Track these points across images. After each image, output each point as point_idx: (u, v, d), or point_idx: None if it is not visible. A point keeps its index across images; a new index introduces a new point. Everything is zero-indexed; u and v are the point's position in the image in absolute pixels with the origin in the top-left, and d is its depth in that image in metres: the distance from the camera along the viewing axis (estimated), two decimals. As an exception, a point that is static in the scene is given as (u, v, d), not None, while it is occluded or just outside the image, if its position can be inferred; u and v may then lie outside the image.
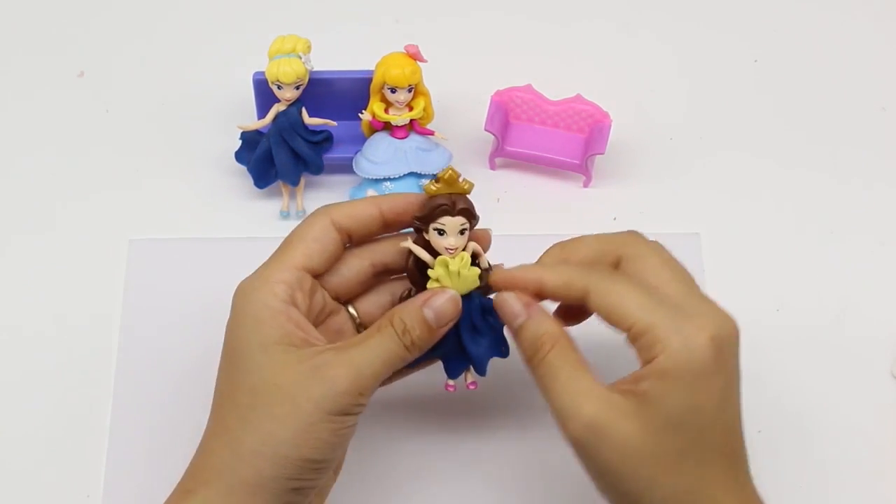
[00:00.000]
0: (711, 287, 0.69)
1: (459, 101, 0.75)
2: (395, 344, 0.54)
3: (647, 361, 0.51)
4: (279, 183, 0.72)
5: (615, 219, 0.73)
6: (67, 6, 0.82)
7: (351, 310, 0.59)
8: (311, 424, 0.52)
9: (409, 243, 0.56)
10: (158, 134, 0.76)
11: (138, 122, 0.77)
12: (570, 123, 0.74)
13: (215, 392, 0.55)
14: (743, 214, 0.73)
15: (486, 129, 0.72)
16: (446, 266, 0.55)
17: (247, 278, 0.56)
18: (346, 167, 0.71)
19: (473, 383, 0.59)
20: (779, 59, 0.80)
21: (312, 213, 0.57)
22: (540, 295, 0.55)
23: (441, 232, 0.55)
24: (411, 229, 0.58)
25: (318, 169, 0.72)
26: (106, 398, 0.66)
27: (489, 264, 0.57)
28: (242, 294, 0.55)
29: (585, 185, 0.74)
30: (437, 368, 0.58)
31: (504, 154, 0.74)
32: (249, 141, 0.72)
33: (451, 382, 0.59)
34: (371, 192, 0.69)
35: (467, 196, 0.56)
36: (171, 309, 0.69)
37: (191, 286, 0.70)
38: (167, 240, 0.72)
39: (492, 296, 0.57)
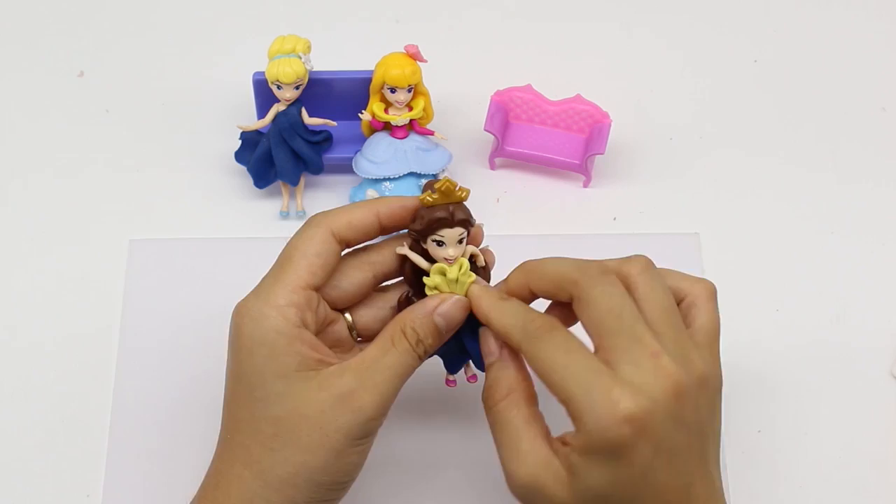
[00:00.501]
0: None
1: (459, 101, 0.75)
2: (410, 356, 0.54)
3: (574, 427, 0.50)
4: (279, 183, 0.72)
5: (615, 219, 0.73)
6: (67, 6, 0.82)
7: (347, 316, 0.58)
8: (340, 452, 0.52)
9: (405, 249, 0.56)
10: (158, 134, 0.76)
11: (138, 122, 0.77)
12: (570, 123, 0.74)
13: (230, 417, 0.54)
14: (743, 214, 0.73)
15: (486, 129, 0.72)
16: (443, 273, 0.55)
17: (249, 299, 0.54)
18: (346, 167, 0.71)
19: (473, 377, 0.59)
20: (779, 59, 0.80)
21: (310, 224, 0.56)
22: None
23: (440, 243, 0.55)
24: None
25: (318, 169, 0.72)
26: (106, 398, 0.66)
27: (485, 262, 0.57)
28: (250, 319, 0.53)
29: (585, 185, 0.74)
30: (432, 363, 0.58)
31: (504, 154, 0.74)
32: (249, 141, 0.72)
33: (451, 378, 0.59)
34: (371, 192, 0.69)
35: (464, 204, 0.55)
36: (172, 309, 0.69)
37: (191, 286, 0.70)
38: (167, 240, 0.72)
39: None
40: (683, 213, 0.73)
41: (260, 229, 0.72)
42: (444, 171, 0.71)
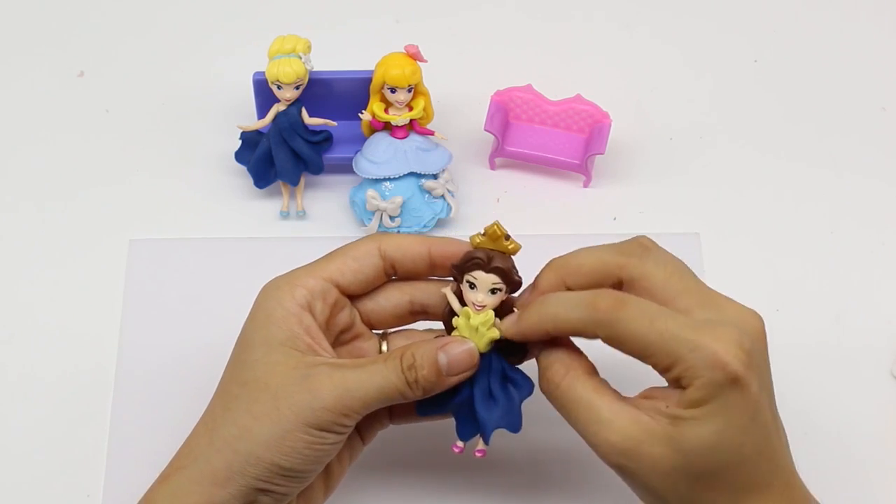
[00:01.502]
0: (711, 287, 0.69)
1: (459, 101, 0.75)
2: (396, 376, 0.52)
3: (671, 385, 0.50)
4: (279, 183, 0.72)
5: (615, 219, 0.73)
6: (67, 6, 0.82)
7: (384, 345, 0.58)
8: (286, 431, 0.51)
9: (446, 289, 0.56)
10: (158, 134, 0.76)
11: (138, 122, 0.77)
12: (570, 123, 0.74)
13: (224, 373, 0.55)
14: (743, 214, 0.73)
15: (486, 129, 0.72)
16: (468, 318, 0.54)
17: (276, 278, 0.56)
18: (346, 167, 0.71)
19: (482, 451, 0.55)
20: (779, 59, 0.80)
21: (364, 238, 0.57)
22: (551, 336, 0.53)
23: (472, 285, 0.54)
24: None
25: (318, 169, 0.72)
26: (106, 398, 0.66)
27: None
28: (264, 291, 0.55)
29: (585, 185, 0.74)
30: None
31: (504, 154, 0.74)
32: (249, 141, 0.72)
33: (459, 444, 0.55)
34: (371, 192, 0.69)
35: (510, 257, 0.54)
36: (171, 309, 0.69)
37: (191, 286, 0.70)
38: (167, 240, 0.72)
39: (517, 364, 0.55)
40: (684, 213, 0.73)
41: (260, 229, 0.72)
42: (443, 170, 0.71)
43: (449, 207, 0.71)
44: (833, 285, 0.70)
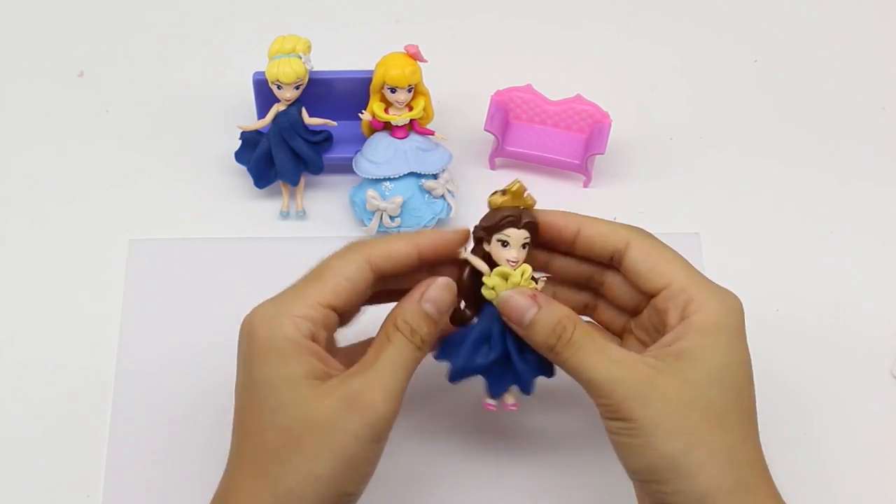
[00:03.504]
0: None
1: (459, 101, 0.75)
2: (409, 349, 0.53)
3: (679, 320, 0.53)
4: (279, 183, 0.72)
5: (615, 219, 0.72)
6: (67, 6, 0.82)
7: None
8: (351, 458, 0.51)
9: (467, 254, 0.56)
10: (158, 134, 0.76)
11: (138, 122, 0.77)
12: (570, 123, 0.74)
13: (240, 428, 0.53)
14: (743, 214, 0.73)
15: (486, 129, 0.72)
16: (505, 277, 0.55)
17: (265, 306, 0.54)
18: (346, 167, 0.71)
19: (514, 405, 0.57)
20: (779, 59, 0.80)
21: (349, 248, 0.55)
22: (568, 242, 0.57)
23: (505, 243, 0.55)
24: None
25: (318, 169, 0.72)
26: (106, 398, 0.66)
27: (546, 281, 0.57)
28: (265, 323, 0.52)
29: (585, 185, 0.74)
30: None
31: (504, 154, 0.74)
32: (249, 141, 0.72)
33: (490, 402, 0.57)
34: (371, 192, 0.69)
35: (530, 211, 0.56)
36: (171, 309, 0.69)
37: (191, 286, 0.70)
38: (167, 240, 0.72)
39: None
40: (683, 213, 0.73)
41: (260, 229, 0.72)
42: (443, 170, 0.71)
43: (449, 207, 0.71)
44: (833, 285, 0.70)
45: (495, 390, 0.57)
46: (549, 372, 0.57)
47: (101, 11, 0.82)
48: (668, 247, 0.56)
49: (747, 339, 0.54)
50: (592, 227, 0.57)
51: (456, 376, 0.56)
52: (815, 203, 0.74)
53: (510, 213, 0.55)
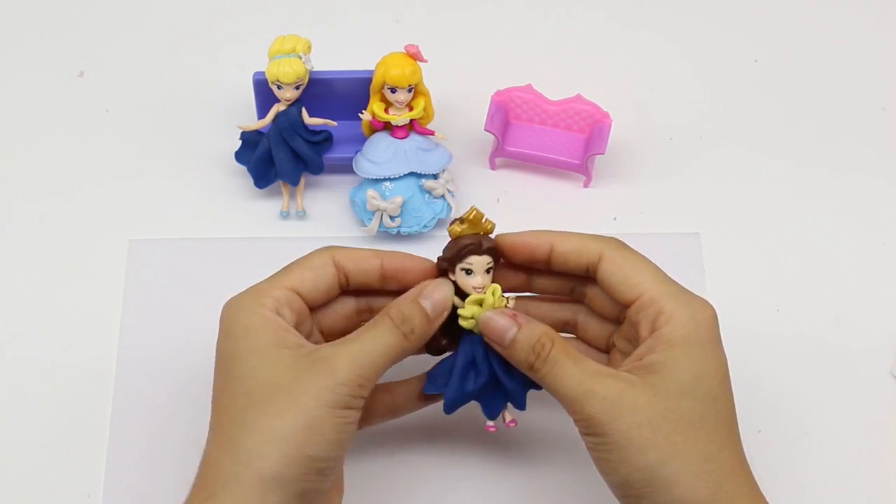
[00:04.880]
0: (711, 287, 0.69)
1: (459, 101, 0.75)
2: (394, 334, 0.54)
3: (650, 333, 0.53)
4: (279, 183, 0.72)
5: (615, 219, 0.73)
6: (67, 6, 0.82)
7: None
8: (312, 419, 0.51)
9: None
10: (158, 134, 0.76)
11: (138, 122, 0.77)
12: (570, 123, 0.74)
13: (212, 404, 0.54)
14: (743, 214, 0.73)
15: (486, 129, 0.72)
16: (479, 303, 0.56)
17: (237, 295, 0.56)
18: (346, 167, 0.71)
19: (513, 421, 0.59)
20: (779, 59, 0.80)
21: (317, 249, 0.58)
22: (543, 261, 0.57)
23: (469, 272, 0.56)
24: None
25: (318, 169, 0.72)
26: (106, 398, 0.66)
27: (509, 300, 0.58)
28: (230, 307, 0.55)
29: (585, 185, 0.74)
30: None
31: (504, 154, 0.74)
32: (249, 141, 0.72)
33: (490, 424, 0.58)
34: (371, 192, 0.69)
35: (489, 236, 0.57)
36: (171, 309, 0.69)
37: (191, 286, 0.70)
38: (167, 240, 0.72)
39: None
40: (684, 213, 0.73)
41: (260, 229, 0.72)
42: (444, 170, 0.71)
43: (449, 207, 0.71)
44: (833, 285, 0.70)
45: (491, 412, 0.58)
46: (538, 385, 0.57)
47: (101, 11, 0.82)
48: (641, 257, 0.56)
49: (723, 346, 0.54)
50: (564, 243, 0.57)
51: (450, 407, 0.58)
52: (816, 203, 0.74)
53: (470, 241, 0.56)
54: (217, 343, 0.55)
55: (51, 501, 0.64)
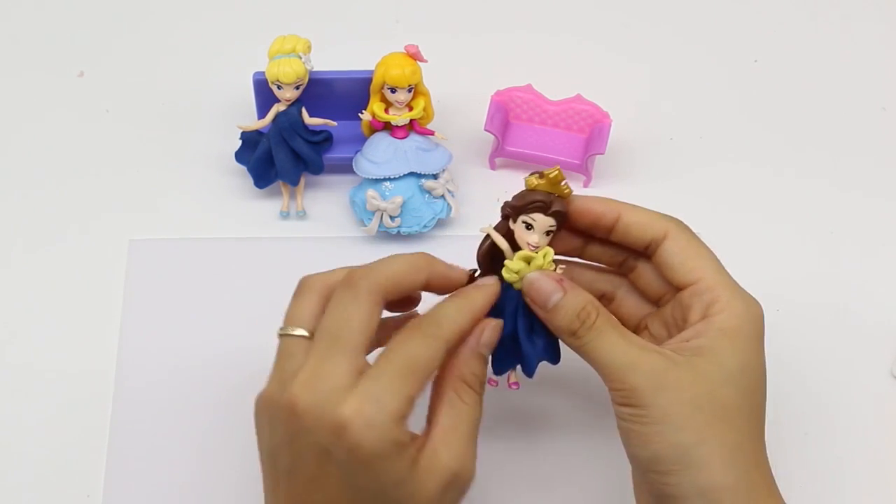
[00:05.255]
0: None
1: (459, 101, 0.75)
2: (479, 401, 0.53)
3: (701, 317, 0.54)
4: (279, 183, 0.72)
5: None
6: (67, 6, 0.82)
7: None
8: None
9: (489, 229, 0.56)
10: (158, 134, 0.76)
11: (138, 122, 0.77)
12: (570, 123, 0.74)
13: None
14: (743, 215, 0.73)
15: (486, 129, 0.72)
16: (528, 260, 0.55)
17: (365, 405, 0.48)
18: (346, 167, 0.71)
19: (516, 383, 0.58)
20: (779, 59, 0.80)
21: (356, 291, 0.51)
22: (606, 229, 0.57)
23: (529, 226, 0.55)
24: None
25: (318, 169, 0.72)
26: (106, 398, 0.66)
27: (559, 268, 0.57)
28: (371, 431, 0.48)
29: (585, 185, 0.74)
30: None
31: (504, 154, 0.74)
32: (249, 141, 0.72)
33: (494, 378, 0.57)
34: (371, 192, 0.69)
35: (563, 201, 0.56)
36: (172, 309, 0.69)
37: (191, 286, 0.70)
38: (167, 240, 0.72)
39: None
40: (683, 213, 0.73)
41: (260, 229, 0.72)
42: (444, 170, 0.71)
43: (449, 207, 0.71)
44: (833, 286, 0.70)
45: (499, 368, 0.57)
46: (555, 358, 0.57)
47: (101, 12, 0.82)
48: (703, 244, 0.57)
49: (764, 345, 0.55)
50: (632, 214, 0.57)
51: (502, 367, 0.57)
52: (816, 203, 0.74)
53: (541, 198, 0.55)
54: (347, 467, 0.48)
55: (51, 501, 0.64)
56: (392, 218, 0.70)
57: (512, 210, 0.55)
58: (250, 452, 0.61)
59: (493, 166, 0.75)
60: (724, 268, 0.56)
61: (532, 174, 0.55)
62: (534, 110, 0.74)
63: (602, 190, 0.74)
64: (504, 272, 0.55)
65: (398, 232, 0.70)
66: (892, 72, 0.79)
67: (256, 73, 0.70)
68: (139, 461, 0.64)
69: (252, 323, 0.67)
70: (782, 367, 0.67)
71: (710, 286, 0.55)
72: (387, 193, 0.70)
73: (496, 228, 0.56)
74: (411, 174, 0.70)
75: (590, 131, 0.73)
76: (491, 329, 0.54)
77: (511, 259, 0.55)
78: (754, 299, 0.55)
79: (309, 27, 0.72)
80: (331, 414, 0.48)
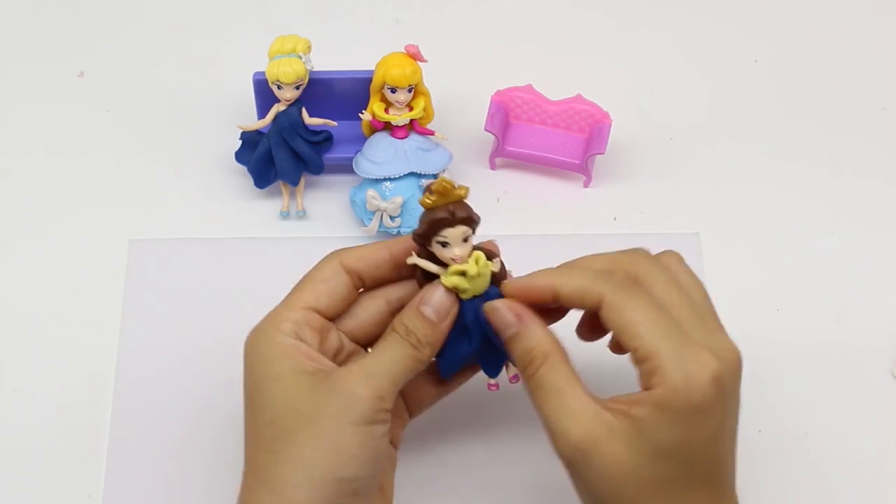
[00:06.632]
0: (711, 287, 0.69)
1: (460, 101, 0.75)
2: (403, 346, 0.54)
3: (646, 387, 0.51)
4: (279, 183, 0.72)
5: (615, 219, 0.73)
6: (67, 6, 0.82)
7: (370, 350, 0.58)
8: (337, 440, 0.51)
9: (414, 258, 0.55)
10: (158, 134, 0.76)
11: (138, 122, 0.77)
12: (570, 123, 0.74)
13: (245, 435, 0.54)
14: (743, 215, 0.73)
15: (486, 129, 0.72)
16: (462, 273, 0.54)
17: (258, 324, 0.55)
18: (346, 167, 0.71)
19: (515, 377, 0.57)
20: (779, 59, 0.80)
21: (326, 256, 0.57)
22: (554, 301, 0.54)
23: (444, 244, 0.54)
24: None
25: (318, 169, 0.72)
26: (106, 398, 0.66)
27: (502, 264, 0.56)
28: (250, 339, 0.55)
29: (585, 185, 0.74)
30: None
31: (504, 154, 0.74)
32: (249, 141, 0.72)
33: (492, 381, 0.58)
34: (371, 192, 0.69)
35: (464, 202, 0.54)
36: (172, 309, 0.69)
37: (191, 286, 0.70)
38: (167, 240, 0.72)
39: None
40: (684, 213, 0.73)
41: (260, 229, 0.72)
42: (444, 170, 0.71)
43: (449, 207, 0.71)
44: (833, 285, 0.70)
45: (491, 371, 0.58)
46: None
47: (101, 11, 0.82)
48: (644, 302, 0.52)
49: (725, 402, 0.51)
50: (565, 286, 0.53)
51: (446, 371, 0.57)
52: (816, 203, 0.74)
53: (441, 215, 0.53)
54: (243, 376, 0.55)
55: (51, 501, 0.64)
56: (392, 218, 0.70)
57: (422, 239, 0.54)
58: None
59: (493, 166, 0.75)
60: (669, 326, 0.51)
61: (423, 195, 0.53)
62: (534, 110, 0.74)
63: (602, 190, 0.74)
64: (457, 291, 0.55)
65: (398, 232, 0.70)
66: (892, 72, 0.79)
67: (256, 73, 0.70)
68: (139, 461, 0.64)
69: (252, 323, 0.67)
70: (782, 367, 0.68)
71: (648, 355, 0.50)
72: (387, 193, 0.70)
73: (421, 255, 0.55)
74: (411, 174, 0.70)
75: (590, 131, 0.73)
76: (433, 290, 0.54)
77: (445, 277, 0.54)
78: (704, 359, 0.50)
79: (309, 27, 0.72)
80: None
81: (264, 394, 0.53)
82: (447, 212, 0.53)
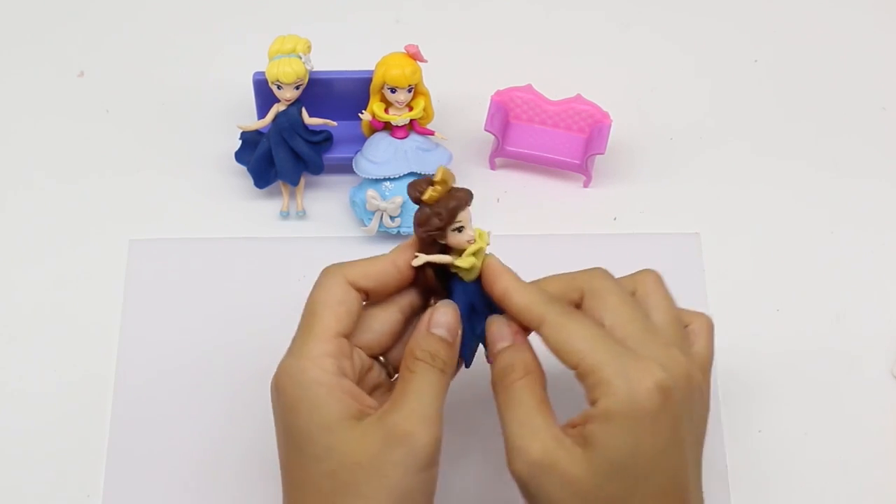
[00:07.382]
0: (711, 287, 0.69)
1: (459, 101, 0.75)
2: (433, 374, 0.53)
3: (591, 402, 0.51)
4: (279, 183, 0.72)
5: (615, 219, 0.73)
6: (67, 6, 0.82)
7: (381, 359, 0.57)
8: (403, 491, 0.50)
9: (423, 258, 0.55)
10: (158, 134, 0.76)
11: (138, 122, 0.77)
12: (570, 123, 0.74)
13: (287, 480, 0.53)
14: (743, 214, 0.73)
15: (486, 129, 0.72)
16: (475, 253, 0.54)
17: (285, 359, 0.53)
18: (346, 167, 0.71)
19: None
20: (779, 59, 0.80)
21: (325, 275, 0.55)
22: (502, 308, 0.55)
23: (460, 229, 0.54)
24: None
25: (318, 169, 0.72)
26: (106, 398, 0.66)
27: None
28: (289, 377, 0.52)
29: (585, 185, 0.74)
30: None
31: (504, 154, 0.74)
32: (249, 141, 0.72)
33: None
34: (371, 192, 0.69)
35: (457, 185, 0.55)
36: (172, 309, 0.69)
37: (191, 286, 0.70)
38: (167, 240, 0.72)
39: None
40: (684, 213, 0.73)
41: (260, 229, 0.72)
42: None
43: (449, 207, 0.71)
44: (833, 285, 0.70)
45: (467, 359, 0.57)
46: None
47: (100, 11, 0.82)
48: (585, 321, 0.53)
49: (672, 413, 0.51)
50: (515, 299, 0.54)
51: (468, 359, 0.57)
52: (816, 203, 0.74)
53: (457, 200, 0.54)
54: (279, 418, 0.53)
55: (51, 501, 0.64)
56: (392, 218, 0.70)
57: (439, 230, 0.54)
58: (251, 452, 0.61)
59: (493, 166, 0.75)
60: (608, 341, 0.52)
61: (428, 190, 0.54)
62: (534, 110, 0.74)
63: (602, 190, 0.74)
64: (463, 274, 0.55)
65: (398, 232, 0.70)
66: (892, 72, 0.79)
67: (256, 73, 0.70)
68: (139, 461, 0.64)
69: (252, 323, 0.67)
70: (782, 367, 0.68)
71: (590, 368, 0.51)
72: (387, 193, 0.70)
73: (423, 253, 0.55)
74: (411, 174, 0.70)
75: (590, 131, 0.73)
76: (440, 310, 0.54)
77: (462, 260, 0.54)
78: (646, 367, 0.50)
79: (309, 27, 0.72)
80: (273, 378, 0.53)
81: (316, 444, 0.51)
82: (460, 195, 0.54)
